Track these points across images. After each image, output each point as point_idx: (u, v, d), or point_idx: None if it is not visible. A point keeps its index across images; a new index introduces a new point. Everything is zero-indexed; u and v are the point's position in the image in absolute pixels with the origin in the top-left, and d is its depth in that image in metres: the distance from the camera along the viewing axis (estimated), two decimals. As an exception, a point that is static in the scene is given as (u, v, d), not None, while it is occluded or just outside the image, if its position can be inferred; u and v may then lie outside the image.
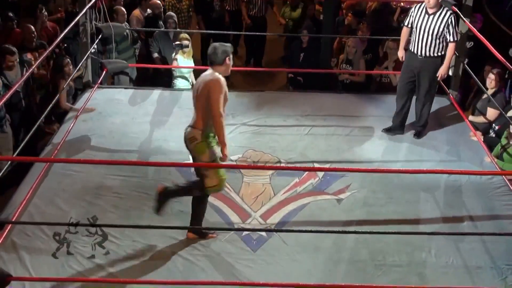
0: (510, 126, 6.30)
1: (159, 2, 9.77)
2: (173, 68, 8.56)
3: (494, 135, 6.85)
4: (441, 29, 6.49)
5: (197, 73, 8.22)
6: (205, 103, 4.85)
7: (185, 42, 8.30)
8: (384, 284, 4.77)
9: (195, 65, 8.83)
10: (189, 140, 5.00)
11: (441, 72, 6.68)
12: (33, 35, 8.33)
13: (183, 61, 8.41)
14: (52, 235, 4.87)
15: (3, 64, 7.38)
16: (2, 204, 5.73)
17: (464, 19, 7.13)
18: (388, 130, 7.14)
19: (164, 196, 5.00)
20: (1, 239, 5.05)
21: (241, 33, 10.88)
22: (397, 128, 7.12)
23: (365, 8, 10.14)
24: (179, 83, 8.51)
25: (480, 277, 4.93)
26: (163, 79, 8.93)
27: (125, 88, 8.17)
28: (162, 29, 9.12)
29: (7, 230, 5.11)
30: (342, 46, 9.20)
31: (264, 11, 10.79)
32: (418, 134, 7.02)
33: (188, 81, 8.55)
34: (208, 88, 4.82)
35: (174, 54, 8.34)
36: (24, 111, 7.60)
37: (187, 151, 5.99)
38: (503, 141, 6.46)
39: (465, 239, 5.28)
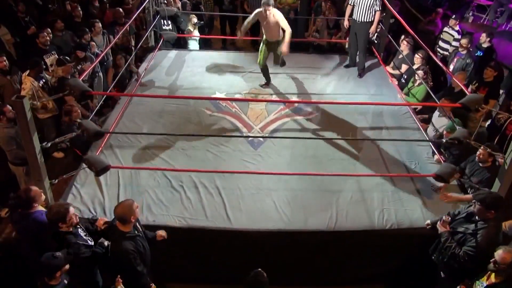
0: (415, 75, 6.14)
1: None
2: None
3: (404, 81, 6.67)
4: (371, 3, 6.39)
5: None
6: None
7: (195, 20, 7.83)
8: (333, 171, 4.74)
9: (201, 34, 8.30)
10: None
11: (371, 30, 6.63)
12: (122, 15, 7.72)
13: (194, 32, 7.94)
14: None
15: (93, 31, 6.95)
16: (103, 122, 5.72)
17: (389, 5, 6.76)
18: (347, 66, 7.14)
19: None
20: (103, 143, 5.02)
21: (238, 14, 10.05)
22: (350, 65, 7.12)
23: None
24: (191, 45, 8.01)
25: (390, 166, 4.93)
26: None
27: (172, 49, 7.70)
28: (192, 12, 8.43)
29: (106, 137, 5.06)
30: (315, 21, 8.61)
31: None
32: (360, 75, 6.90)
33: (196, 41, 8.08)
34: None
35: (187, 27, 7.86)
36: (106, 63, 7.13)
37: (216, 86, 6.22)
38: (410, 84, 6.32)
39: (383, 143, 5.25)
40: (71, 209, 3.39)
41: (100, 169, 3.96)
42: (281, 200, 4.38)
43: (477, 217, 3.55)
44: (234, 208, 4.26)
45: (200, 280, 4.38)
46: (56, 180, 4.14)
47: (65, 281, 3.20)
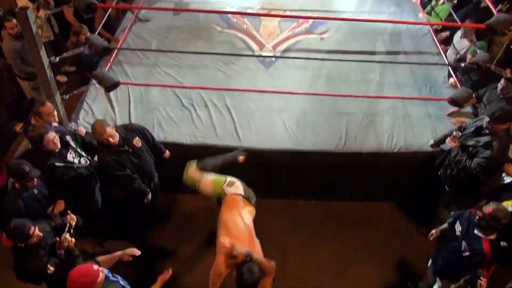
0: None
1: None
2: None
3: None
4: None
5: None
6: None
7: None
8: (346, 93, 4.63)
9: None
10: None
11: None
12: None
13: None
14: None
15: None
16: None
17: None
18: None
19: None
20: (112, 59, 4.96)
21: None
22: None
23: None
24: None
25: (404, 90, 4.82)
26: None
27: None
28: None
29: (114, 53, 4.99)
30: None
31: None
32: None
33: None
34: None
35: None
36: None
37: (227, 0, 5.84)
38: (433, 2, 5.92)
39: (399, 66, 5.07)
40: (50, 135, 3.33)
41: (110, 85, 3.94)
42: (291, 120, 4.38)
43: (487, 131, 3.62)
44: (244, 127, 4.29)
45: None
46: (67, 96, 4.16)
47: (35, 191, 3.29)
